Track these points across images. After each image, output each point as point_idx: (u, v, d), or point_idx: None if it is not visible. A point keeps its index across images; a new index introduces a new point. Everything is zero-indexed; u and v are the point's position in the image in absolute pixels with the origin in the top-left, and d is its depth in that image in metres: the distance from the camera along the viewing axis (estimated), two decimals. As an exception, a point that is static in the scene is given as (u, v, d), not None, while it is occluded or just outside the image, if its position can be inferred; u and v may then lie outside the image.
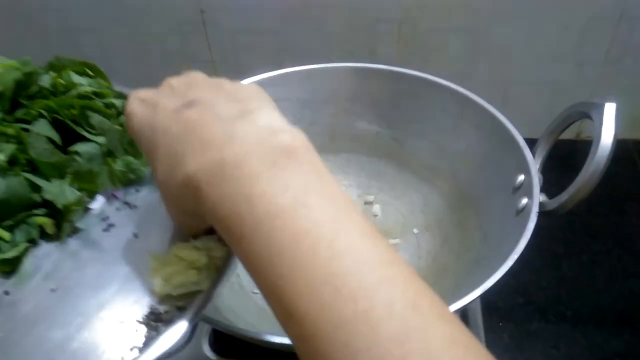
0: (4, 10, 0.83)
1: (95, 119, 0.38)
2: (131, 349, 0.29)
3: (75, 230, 0.36)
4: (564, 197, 0.42)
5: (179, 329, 0.28)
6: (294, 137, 0.26)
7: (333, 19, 0.81)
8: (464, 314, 0.55)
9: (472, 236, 0.50)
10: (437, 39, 0.81)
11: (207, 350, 0.52)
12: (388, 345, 0.20)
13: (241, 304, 0.50)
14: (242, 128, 0.26)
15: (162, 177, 0.28)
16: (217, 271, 0.31)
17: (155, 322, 0.30)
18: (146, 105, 0.30)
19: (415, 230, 0.57)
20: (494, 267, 0.41)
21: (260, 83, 0.59)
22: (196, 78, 0.31)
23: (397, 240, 0.57)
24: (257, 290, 0.52)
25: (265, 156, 0.25)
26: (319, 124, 0.62)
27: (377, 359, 0.20)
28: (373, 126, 0.61)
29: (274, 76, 0.59)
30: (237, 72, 0.86)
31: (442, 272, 0.51)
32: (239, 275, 0.53)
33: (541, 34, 0.78)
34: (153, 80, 0.94)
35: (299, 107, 0.61)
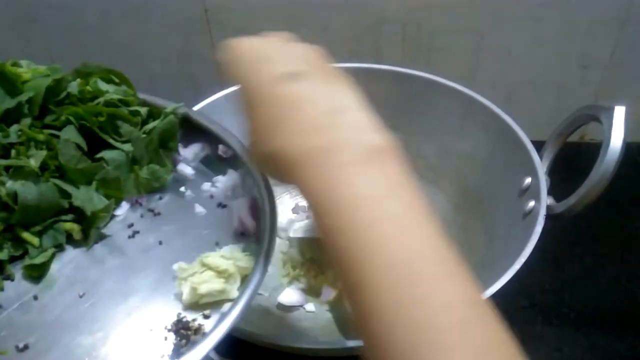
0: (9, 9, 0.83)
1: (124, 127, 0.39)
2: (161, 357, 0.30)
3: (101, 237, 0.36)
4: (572, 200, 0.43)
5: (210, 341, 0.28)
6: (386, 138, 0.29)
7: (337, 19, 0.81)
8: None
9: (478, 239, 0.50)
10: (441, 40, 0.80)
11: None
12: None
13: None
14: (343, 120, 0.28)
15: (256, 138, 0.30)
16: (247, 282, 0.32)
17: (184, 330, 0.31)
18: (254, 56, 0.32)
19: (419, 232, 0.56)
20: (499, 270, 0.41)
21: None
22: (300, 46, 0.33)
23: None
24: (262, 292, 0.52)
25: (361, 150, 0.27)
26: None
27: None
28: (378, 127, 0.60)
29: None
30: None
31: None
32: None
33: (546, 36, 0.78)
34: (156, 79, 0.94)
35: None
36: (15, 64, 0.40)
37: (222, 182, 0.41)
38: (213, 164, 0.43)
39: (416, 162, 0.58)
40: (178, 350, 0.30)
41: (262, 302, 0.52)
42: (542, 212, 0.44)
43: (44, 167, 0.35)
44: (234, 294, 0.32)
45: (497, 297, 0.65)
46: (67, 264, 0.34)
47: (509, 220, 0.48)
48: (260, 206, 0.37)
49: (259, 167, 0.35)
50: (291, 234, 0.57)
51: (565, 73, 0.81)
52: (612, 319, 0.60)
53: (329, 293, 0.52)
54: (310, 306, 0.53)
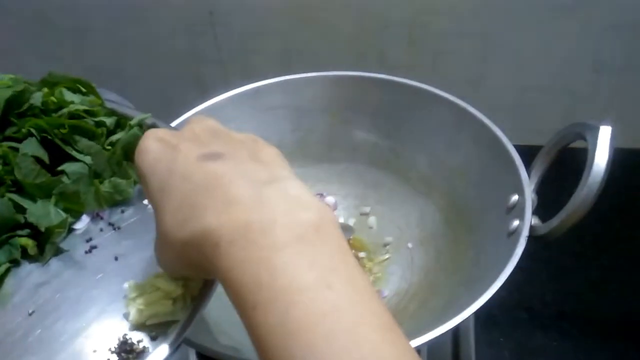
0: (18, 10, 0.84)
1: (82, 142, 0.39)
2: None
3: (58, 251, 0.37)
4: (554, 222, 0.42)
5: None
6: (322, 212, 0.26)
7: (342, 22, 0.80)
8: (455, 332, 0.54)
9: (465, 255, 0.50)
10: (448, 43, 0.80)
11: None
12: None
13: (227, 316, 0.50)
14: (272, 194, 0.26)
15: (171, 223, 0.27)
16: (193, 301, 0.32)
17: (127, 353, 0.31)
18: (165, 145, 0.29)
19: (409, 245, 0.56)
20: (482, 289, 0.40)
21: (259, 91, 0.60)
22: (218, 129, 0.30)
23: (387, 256, 0.56)
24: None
25: (293, 228, 0.25)
26: (317, 132, 0.61)
27: None
28: (371, 136, 0.60)
29: (272, 83, 0.59)
30: (245, 74, 0.87)
31: (433, 289, 0.51)
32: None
33: (556, 39, 0.76)
34: (163, 80, 0.95)
35: (297, 115, 0.61)
36: None
37: None
38: None
39: (408, 173, 0.59)
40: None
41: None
42: (525, 233, 0.43)
43: (0, 181, 0.35)
44: (181, 315, 0.32)
45: (494, 308, 0.65)
46: (23, 279, 0.35)
47: (495, 238, 0.47)
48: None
49: (168, 268, 0.31)
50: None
51: (576, 78, 0.79)
52: (614, 335, 0.59)
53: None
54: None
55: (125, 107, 0.45)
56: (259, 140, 0.31)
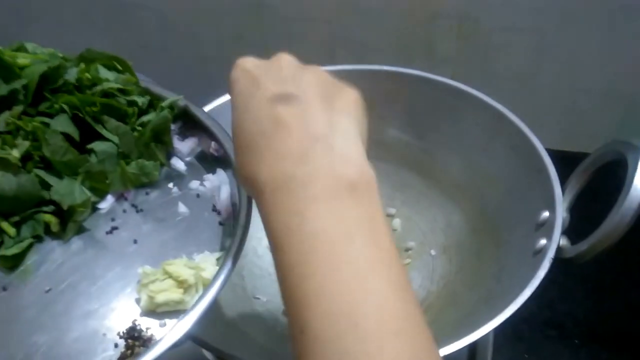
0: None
1: (110, 123, 0.39)
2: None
3: (80, 230, 0.37)
4: (582, 247, 0.40)
5: (151, 355, 0.29)
6: (362, 172, 0.27)
7: (390, 11, 0.78)
8: (472, 347, 0.52)
9: (488, 269, 0.48)
10: (500, 39, 0.76)
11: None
12: None
13: (240, 308, 0.50)
14: (320, 149, 0.27)
15: (238, 161, 0.30)
16: (204, 292, 0.32)
17: (134, 339, 0.31)
18: (250, 78, 0.31)
19: (432, 252, 0.55)
20: (500, 308, 0.38)
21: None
22: (304, 66, 0.32)
23: (408, 261, 0.54)
24: (259, 296, 0.52)
25: (330, 184, 0.26)
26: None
27: None
28: (404, 135, 0.59)
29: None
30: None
31: (451, 301, 0.49)
32: (243, 277, 0.54)
33: (618, 42, 0.71)
34: (208, 61, 0.95)
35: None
36: (19, 48, 0.41)
37: (211, 181, 0.41)
38: (206, 160, 0.43)
39: (439, 176, 0.57)
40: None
41: (257, 307, 0.52)
42: (550, 255, 0.41)
43: (28, 157, 0.36)
44: (191, 305, 0.32)
45: (522, 322, 0.62)
46: (45, 255, 0.36)
47: (520, 255, 0.45)
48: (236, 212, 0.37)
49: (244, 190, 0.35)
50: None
51: (635, 86, 0.73)
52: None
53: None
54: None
55: (159, 88, 0.45)
56: (340, 85, 0.32)
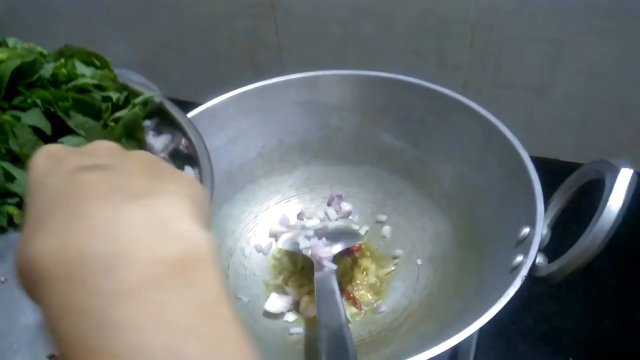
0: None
1: (77, 118, 0.39)
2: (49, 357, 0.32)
3: None
4: (554, 266, 0.38)
5: None
6: (194, 244, 0.20)
7: (402, 15, 0.78)
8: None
9: (468, 282, 0.48)
10: (514, 47, 0.75)
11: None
12: None
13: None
14: (135, 214, 0.19)
15: (20, 241, 0.20)
16: None
17: None
18: (51, 159, 0.23)
19: (419, 261, 0.54)
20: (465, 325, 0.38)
21: (288, 83, 0.59)
22: (131, 151, 0.25)
23: (393, 268, 0.54)
24: (241, 296, 0.53)
25: (147, 266, 0.18)
26: (344, 131, 0.61)
27: None
28: (399, 142, 0.58)
29: (305, 78, 0.59)
30: (301, 60, 0.86)
31: (430, 312, 0.49)
32: (228, 276, 0.55)
33: (635, 51, 0.68)
34: (220, 59, 0.96)
35: (326, 112, 0.60)
36: (0, 44, 0.42)
37: None
38: (179, 158, 0.43)
39: (431, 185, 0.57)
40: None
41: (239, 307, 0.53)
42: (522, 273, 0.40)
43: None
44: None
45: (517, 336, 0.61)
46: (6, 247, 0.36)
47: (499, 270, 0.44)
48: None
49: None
50: (280, 245, 0.57)
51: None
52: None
53: (311, 310, 0.52)
54: (290, 316, 0.53)
55: (138, 84, 0.45)
56: (173, 168, 0.25)
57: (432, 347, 0.38)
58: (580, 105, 0.76)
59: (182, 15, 0.89)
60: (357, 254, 0.57)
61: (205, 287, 0.19)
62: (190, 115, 0.54)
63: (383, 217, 0.59)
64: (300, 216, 0.61)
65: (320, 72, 0.59)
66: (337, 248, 0.52)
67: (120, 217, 0.19)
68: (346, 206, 0.60)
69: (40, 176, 0.22)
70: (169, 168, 0.24)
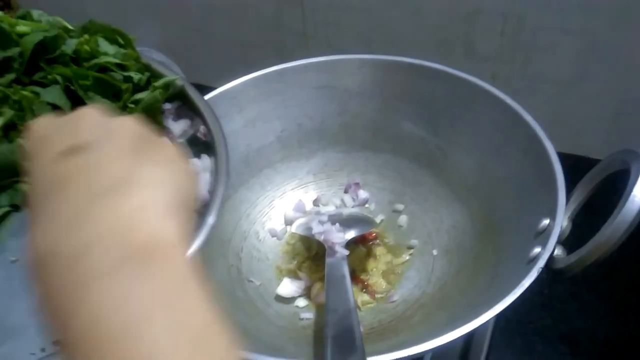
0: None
1: (96, 99, 0.39)
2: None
3: None
4: (572, 258, 0.37)
5: None
6: (163, 231, 0.21)
7: (431, 4, 0.76)
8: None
9: (483, 275, 0.47)
10: (546, 38, 0.73)
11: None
12: None
13: (232, 290, 0.51)
14: (103, 208, 0.21)
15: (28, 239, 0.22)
16: None
17: None
18: (37, 139, 0.25)
19: (434, 252, 0.54)
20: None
21: (311, 67, 0.59)
22: (113, 118, 0.26)
23: (407, 257, 0.54)
24: (252, 279, 0.53)
25: (112, 253, 0.20)
26: (364, 117, 0.60)
27: None
28: (419, 130, 0.58)
29: (325, 61, 0.58)
30: (327, 47, 0.86)
31: (442, 304, 0.48)
32: (240, 259, 0.54)
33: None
34: (247, 45, 0.97)
35: (346, 97, 0.60)
36: (25, 16, 0.41)
37: (195, 165, 0.40)
38: (196, 144, 0.42)
39: (451, 175, 0.56)
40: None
41: (249, 289, 0.53)
42: (540, 264, 0.39)
43: (12, 126, 0.37)
44: None
45: (533, 334, 0.60)
46: (20, 225, 0.36)
47: (515, 262, 0.43)
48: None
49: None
50: (293, 229, 0.57)
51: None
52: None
53: (322, 296, 0.52)
54: (301, 301, 0.53)
55: (160, 65, 0.45)
56: (159, 140, 0.26)
57: (440, 336, 0.37)
58: (612, 100, 0.74)
59: (212, 2, 0.89)
60: (371, 243, 0.56)
61: (171, 268, 0.21)
62: (209, 96, 0.55)
63: (400, 207, 0.58)
64: (316, 202, 0.60)
65: (341, 56, 0.59)
66: (351, 234, 0.51)
67: (92, 211, 0.21)
68: (363, 194, 0.59)
69: (30, 157, 0.24)
70: (155, 147, 0.25)
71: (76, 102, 0.39)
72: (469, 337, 0.53)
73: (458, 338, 0.37)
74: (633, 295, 0.62)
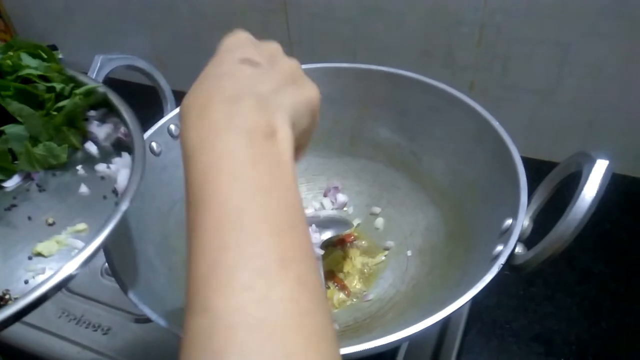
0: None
1: (13, 105, 0.42)
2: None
3: None
4: (530, 254, 0.40)
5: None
6: (279, 130, 0.29)
7: (412, 14, 0.80)
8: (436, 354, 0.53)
9: (453, 273, 0.49)
10: (521, 49, 0.76)
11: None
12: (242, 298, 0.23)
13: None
14: (253, 101, 0.29)
15: (188, 93, 0.31)
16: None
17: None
18: (238, 40, 0.34)
19: (409, 253, 0.56)
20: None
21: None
22: (288, 57, 0.34)
23: (382, 258, 0.56)
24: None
25: (250, 125, 0.27)
26: (343, 124, 0.62)
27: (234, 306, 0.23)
28: (395, 136, 0.60)
29: (306, 69, 0.59)
30: (312, 57, 0.89)
31: (415, 302, 0.50)
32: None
33: (642, 55, 0.69)
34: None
35: (326, 104, 0.61)
36: None
37: (117, 164, 0.43)
38: (120, 146, 0.45)
39: (426, 179, 0.59)
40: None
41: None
42: (501, 260, 0.41)
43: None
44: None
45: (509, 335, 0.62)
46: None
47: (480, 261, 0.46)
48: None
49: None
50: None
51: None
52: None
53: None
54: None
55: (84, 76, 0.48)
56: (309, 80, 0.35)
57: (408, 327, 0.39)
58: (586, 108, 0.77)
59: (198, 10, 0.92)
60: (349, 245, 0.59)
61: (279, 153, 0.28)
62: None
63: (377, 210, 0.61)
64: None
65: (321, 65, 0.61)
66: (327, 235, 0.54)
67: (246, 95, 0.29)
68: (342, 197, 0.62)
69: (223, 49, 0.33)
70: (304, 81, 0.34)
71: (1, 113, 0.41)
72: (441, 336, 0.55)
73: (425, 329, 0.39)
74: (605, 298, 0.65)
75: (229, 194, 0.25)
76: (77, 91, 0.45)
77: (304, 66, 0.61)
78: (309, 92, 0.33)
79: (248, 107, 0.28)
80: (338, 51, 0.87)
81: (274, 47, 0.34)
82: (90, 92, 0.46)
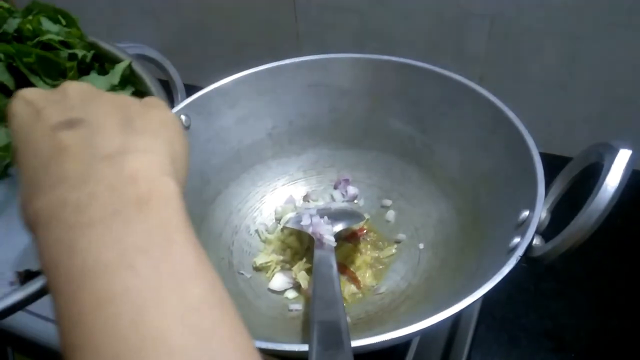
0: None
1: (38, 80, 0.40)
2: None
3: (3, 174, 0.41)
4: (548, 246, 0.39)
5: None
6: (155, 188, 0.23)
7: (421, 7, 0.79)
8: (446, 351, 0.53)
9: (467, 266, 0.48)
10: (532, 41, 0.75)
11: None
12: None
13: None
14: (105, 169, 0.23)
15: (21, 199, 0.25)
16: None
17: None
18: (30, 110, 0.27)
19: (421, 246, 0.55)
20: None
21: (301, 66, 0.61)
22: (96, 92, 0.28)
23: (394, 251, 0.55)
24: (243, 272, 0.55)
25: (111, 204, 0.22)
26: (354, 115, 0.62)
27: None
28: (408, 128, 0.59)
29: (317, 60, 0.60)
30: (319, 48, 0.88)
31: (428, 295, 0.50)
32: (232, 252, 0.56)
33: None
34: (241, 45, 0.99)
35: (337, 96, 0.62)
36: None
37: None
38: None
39: (438, 171, 0.58)
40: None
41: (240, 282, 0.54)
42: (519, 252, 0.40)
43: None
44: None
45: (519, 330, 0.62)
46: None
47: (496, 253, 0.45)
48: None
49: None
50: (284, 223, 0.58)
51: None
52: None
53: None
54: (291, 293, 0.54)
55: (110, 46, 0.46)
56: (148, 107, 0.29)
57: (422, 320, 0.39)
58: (597, 101, 0.76)
59: (205, 1, 0.91)
60: (360, 238, 0.58)
61: (164, 217, 0.23)
62: (202, 92, 0.57)
63: (388, 202, 0.60)
64: (306, 198, 0.62)
65: (333, 55, 0.60)
66: (339, 227, 0.53)
67: (91, 172, 0.23)
68: (352, 190, 0.61)
69: (23, 127, 0.26)
70: (146, 116, 0.27)
71: (20, 79, 0.40)
72: (453, 330, 0.55)
73: (440, 322, 0.38)
74: (616, 293, 0.64)
75: (106, 328, 0.20)
76: (117, 67, 0.44)
77: (312, 57, 0.62)
78: (160, 116, 0.28)
79: (104, 187, 0.23)
80: (346, 43, 0.87)
81: (75, 89, 0.28)
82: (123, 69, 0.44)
